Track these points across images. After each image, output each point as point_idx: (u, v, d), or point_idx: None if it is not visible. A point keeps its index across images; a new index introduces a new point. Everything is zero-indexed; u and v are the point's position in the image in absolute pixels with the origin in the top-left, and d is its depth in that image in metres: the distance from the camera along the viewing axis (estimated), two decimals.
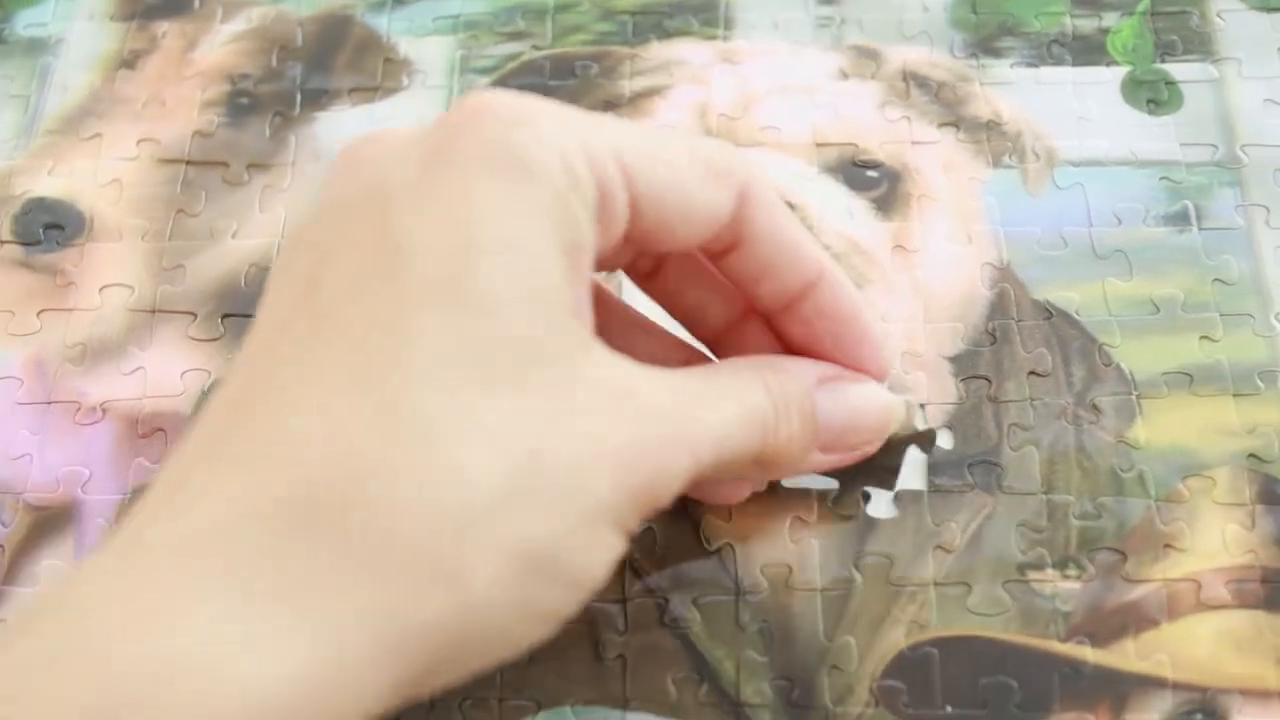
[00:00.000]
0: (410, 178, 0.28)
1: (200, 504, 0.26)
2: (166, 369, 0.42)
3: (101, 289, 0.43)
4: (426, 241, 0.27)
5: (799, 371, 0.33)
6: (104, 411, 0.41)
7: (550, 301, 0.28)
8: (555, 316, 0.28)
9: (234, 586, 0.24)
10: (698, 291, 0.35)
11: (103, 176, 0.45)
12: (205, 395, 0.41)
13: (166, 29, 0.49)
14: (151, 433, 0.40)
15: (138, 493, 0.39)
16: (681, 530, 0.38)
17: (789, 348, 0.35)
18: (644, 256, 0.35)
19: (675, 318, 0.36)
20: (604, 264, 0.33)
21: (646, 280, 0.36)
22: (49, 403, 0.41)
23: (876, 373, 0.35)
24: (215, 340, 0.42)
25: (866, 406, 0.35)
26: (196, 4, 0.50)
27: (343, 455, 0.26)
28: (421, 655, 0.26)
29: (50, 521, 0.39)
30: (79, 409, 0.41)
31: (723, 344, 0.36)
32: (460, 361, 0.26)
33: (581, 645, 0.36)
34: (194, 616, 0.24)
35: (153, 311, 0.43)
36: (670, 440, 0.29)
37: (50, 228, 0.44)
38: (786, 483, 0.38)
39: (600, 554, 0.28)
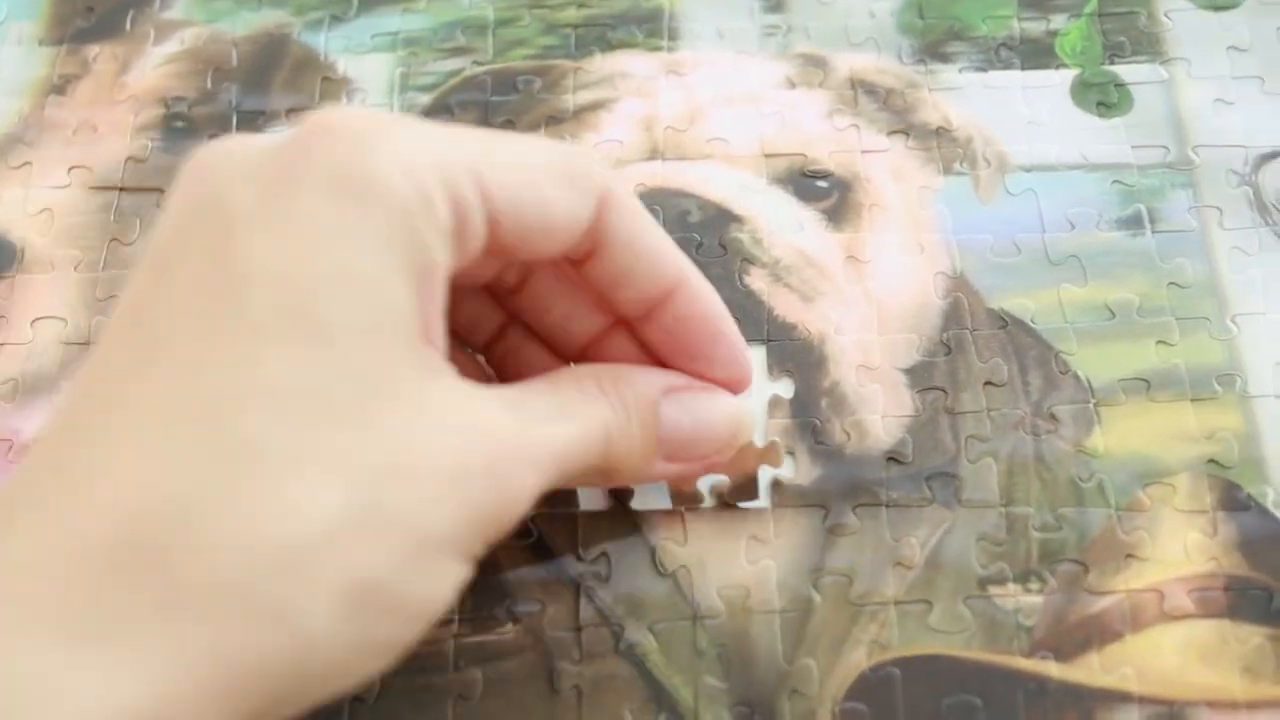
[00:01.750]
0: (252, 199, 0.27)
1: (22, 547, 0.25)
2: None
3: (33, 322, 0.42)
4: (266, 269, 0.26)
5: (644, 380, 0.33)
6: None
7: (394, 330, 0.27)
8: (399, 345, 0.27)
9: (57, 627, 0.24)
10: (563, 303, 0.35)
11: (33, 206, 0.44)
12: None
13: (98, 52, 0.48)
14: None
15: None
16: (636, 555, 0.37)
17: (653, 357, 0.35)
18: (510, 269, 0.34)
19: (542, 334, 0.36)
20: (465, 279, 0.33)
21: (512, 296, 0.35)
22: None
23: (739, 380, 0.35)
24: None
25: (712, 417, 0.34)
26: (128, 26, 0.48)
27: (166, 492, 0.25)
28: (258, 692, 0.25)
29: None
30: (11, 447, 0.40)
31: (589, 357, 0.35)
32: (296, 394, 0.26)
33: (536, 677, 0.35)
34: (18, 655, 0.23)
35: (87, 344, 0.41)
36: (512, 461, 0.29)
37: None
38: (635, 503, 0.38)
39: (440, 583, 0.28)
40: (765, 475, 0.38)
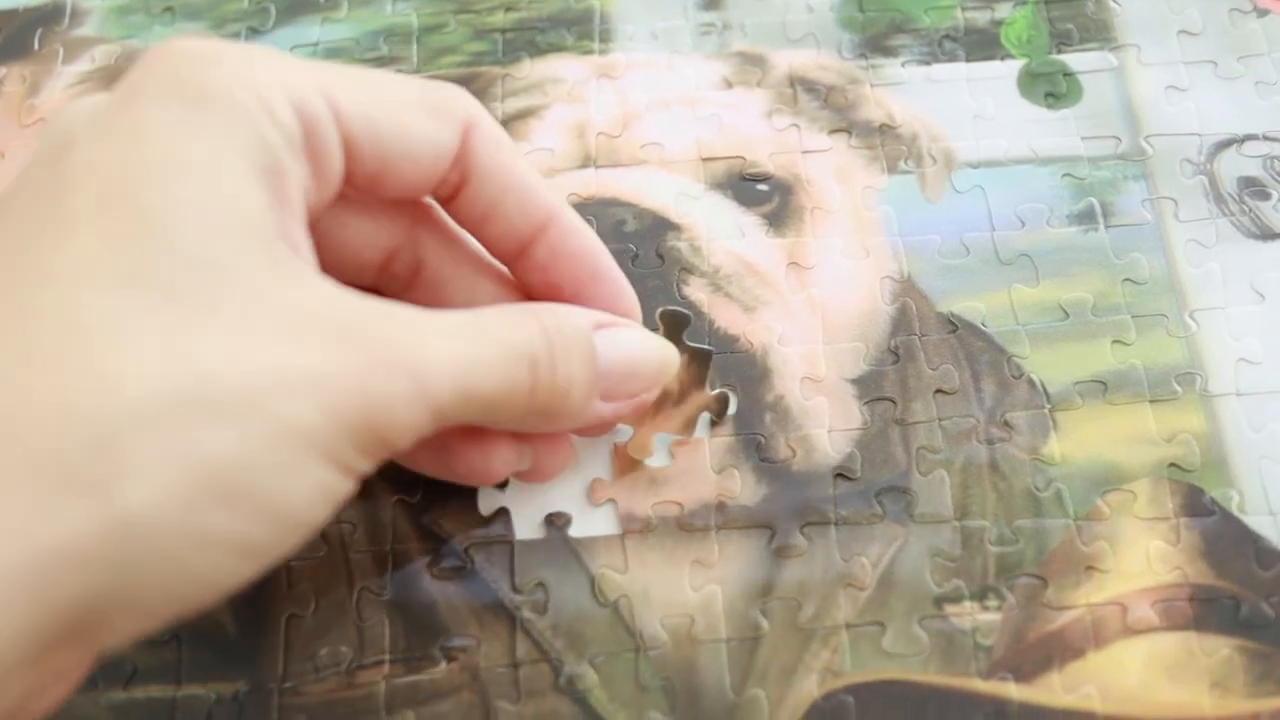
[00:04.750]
0: (90, 118, 0.27)
1: None
2: None
3: None
4: (91, 166, 0.26)
5: (576, 313, 0.32)
6: None
7: (237, 223, 0.26)
8: (243, 236, 0.26)
9: None
10: (453, 271, 0.34)
11: None
12: None
13: (4, 74, 0.46)
14: None
15: None
16: (573, 584, 0.35)
17: (531, 299, 0.34)
18: (402, 254, 0.34)
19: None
20: (361, 266, 0.33)
21: (409, 286, 0.34)
22: None
23: (630, 310, 0.35)
24: None
25: (644, 352, 0.34)
26: (36, 45, 0.46)
27: None
28: (71, 580, 0.23)
29: None
30: None
31: None
32: (120, 273, 0.25)
33: (472, 717, 0.34)
34: None
35: None
36: (385, 366, 0.27)
37: None
38: (581, 445, 0.36)
39: (306, 483, 0.26)
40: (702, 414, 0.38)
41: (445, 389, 0.28)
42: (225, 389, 0.25)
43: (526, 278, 0.34)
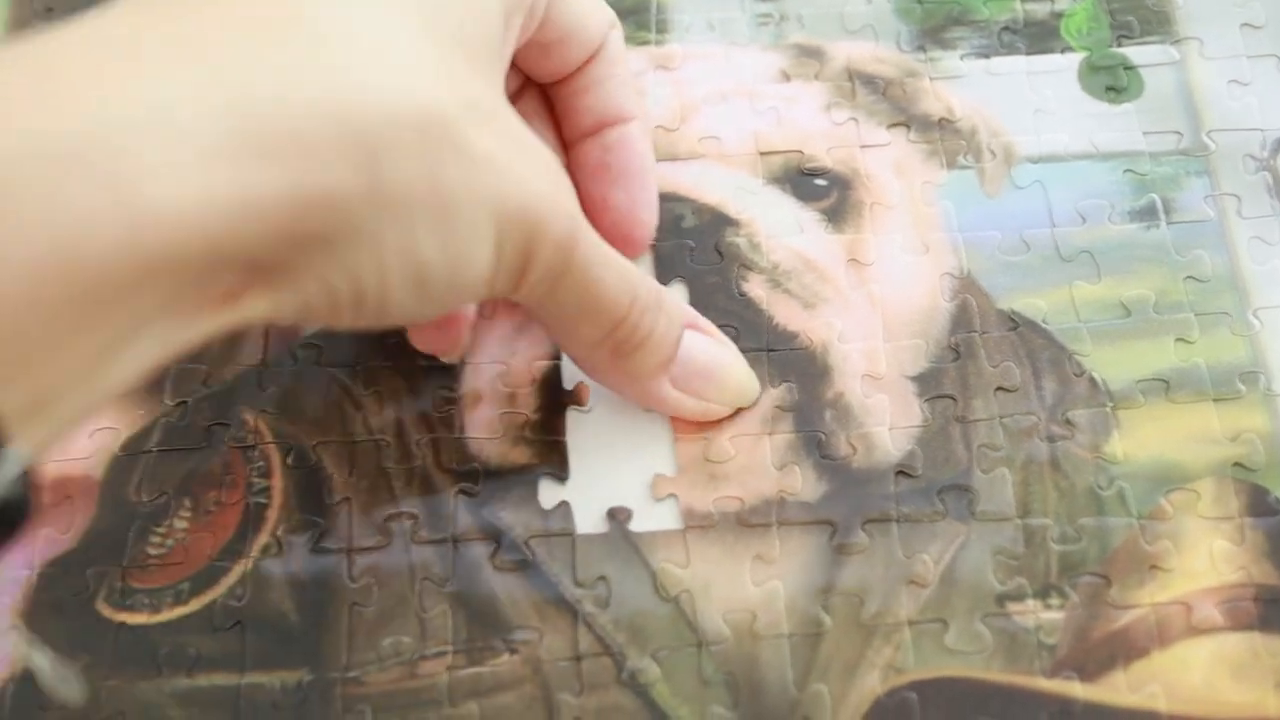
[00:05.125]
0: None
1: None
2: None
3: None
4: None
5: (679, 300, 0.37)
6: None
7: (489, 30, 0.30)
8: (492, 42, 0.30)
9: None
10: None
11: None
12: (118, 457, 0.38)
13: None
14: (60, 500, 0.37)
15: (46, 569, 0.36)
16: (635, 579, 0.35)
17: (568, 146, 0.38)
18: None
19: None
20: None
21: None
22: None
23: (642, 226, 0.38)
24: (125, 395, 0.39)
25: (723, 366, 0.37)
26: None
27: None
28: (312, 204, 0.25)
29: None
30: None
31: None
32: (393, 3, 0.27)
33: (535, 710, 0.34)
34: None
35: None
36: (567, 201, 0.31)
37: None
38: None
39: (479, 252, 0.29)
40: None
41: (583, 255, 0.31)
42: (477, 132, 0.27)
43: (580, 155, 0.38)
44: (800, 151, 0.42)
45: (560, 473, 0.37)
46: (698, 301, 0.39)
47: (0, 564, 0.36)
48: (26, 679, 0.35)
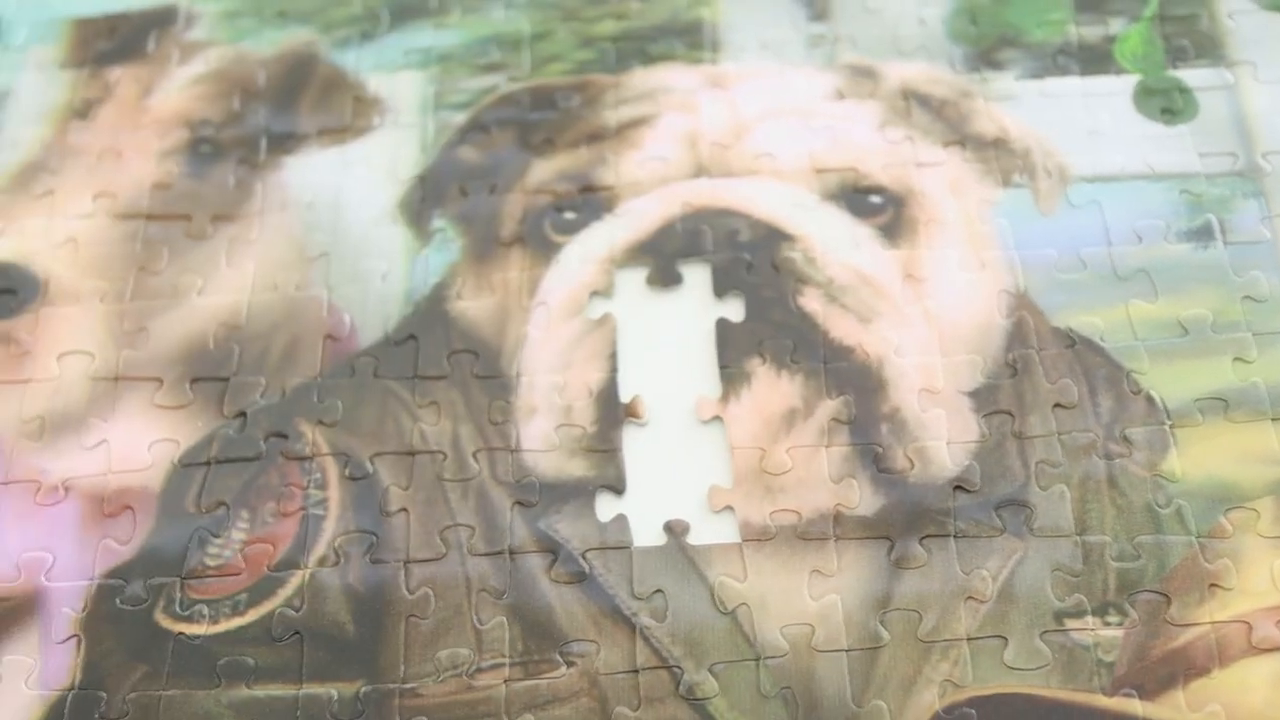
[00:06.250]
0: None
1: None
2: (132, 441, 0.39)
3: (59, 357, 0.40)
4: None
5: None
6: (66, 490, 0.38)
7: None
8: None
9: None
10: None
11: (57, 236, 0.43)
12: (176, 468, 0.38)
13: (119, 75, 0.46)
14: (119, 511, 0.38)
15: (105, 579, 0.36)
16: (692, 592, 0.35)
17: None
18: None
19: None
20: None
21: None
22: (6, 483, 0.38)
23: None
24: (184, 407, 0.39)
25: None
26: (151, 47, 0.47)
27: None
28: None
29: (11, 614, 0.36)
30: (39, 489, 0.38)
31: None
32: None
33: None
34: None
35: (115, 379, 0.40)
36: None
37: (2, 293, 0.41)
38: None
39: None
40: None
41: None
42: None
43: None
44: (855, 169, 0.42)
45: (617, 485, 0.37)
46: (754, 315, 0.39)
47: (61, 574, 0.37)
48: (86, 686, 0.35)
